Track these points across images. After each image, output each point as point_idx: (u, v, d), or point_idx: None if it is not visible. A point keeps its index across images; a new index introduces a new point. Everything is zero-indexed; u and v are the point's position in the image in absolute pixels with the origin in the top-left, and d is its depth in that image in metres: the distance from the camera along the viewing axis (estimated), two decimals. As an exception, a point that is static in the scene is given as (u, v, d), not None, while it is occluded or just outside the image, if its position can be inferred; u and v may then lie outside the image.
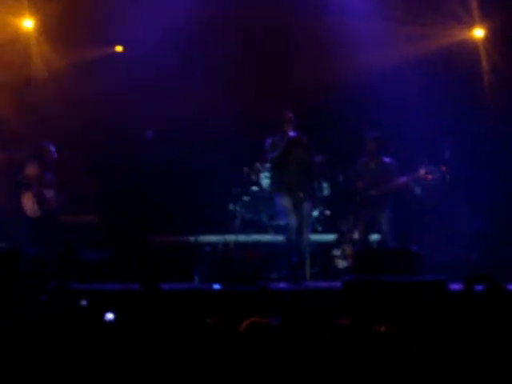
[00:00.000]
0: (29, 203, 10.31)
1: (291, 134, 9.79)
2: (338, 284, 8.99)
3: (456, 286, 8.50)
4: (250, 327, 5.22)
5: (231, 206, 11.62)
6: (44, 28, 11.52)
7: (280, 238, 10.41)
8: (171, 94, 11.79)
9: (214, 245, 10.70)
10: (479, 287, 7.22)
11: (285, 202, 9.83)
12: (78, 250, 10.30)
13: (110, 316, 6.86)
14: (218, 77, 11.93)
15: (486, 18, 11.49)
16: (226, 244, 10.89)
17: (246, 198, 11.57)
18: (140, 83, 11.64)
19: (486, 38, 11.66)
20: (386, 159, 10.40)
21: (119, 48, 12.12)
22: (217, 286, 9.13)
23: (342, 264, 10.53)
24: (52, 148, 10.49)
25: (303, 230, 9.79)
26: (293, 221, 9.77)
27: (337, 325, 5.42)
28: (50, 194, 10.41)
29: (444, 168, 10.46)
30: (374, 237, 10.67)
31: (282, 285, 9.59)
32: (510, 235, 10.60)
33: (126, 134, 11.65)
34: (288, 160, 9.82)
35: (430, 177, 10.14)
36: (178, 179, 11.85)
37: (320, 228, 11.28)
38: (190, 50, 12.07)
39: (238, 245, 10.92)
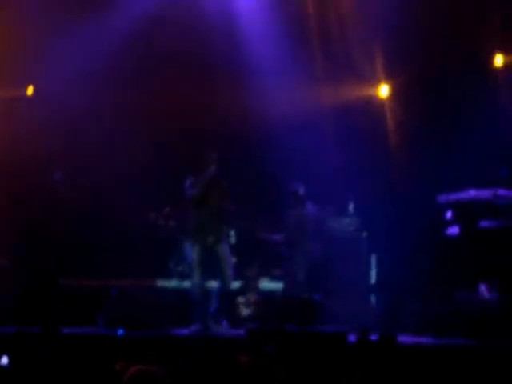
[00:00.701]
0: None
1: (213, 171, 9.81)
2: (241, 332, 9.06)
3: (354, 338, 8.69)
4: (135, 375, 5.17)
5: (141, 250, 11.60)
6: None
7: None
8: (83, 135, 11.81)
9: (121, 288, 10.64)
10: (373, 338, 7.39)
11: (194, 254, 9.87)
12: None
13: (4, 360, 6.76)
14: (132, 116, 11.99)
15: (390, 75, 11.88)
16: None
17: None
18: (50, 125, 11.61)
19: (391, 95, 12.05)
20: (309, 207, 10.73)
21: (30, 89, 12.06)
22: (120, 331, 9.09)
23: (245, 311, 10.61)
24: None
25: (223, 271, 9.81)
26: (197, 278, 9.81)
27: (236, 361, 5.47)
28: None
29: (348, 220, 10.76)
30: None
31: (184, 331, 9.59)
32: (410, 286, 10.84)
33: (36, 175, 11.57)
34: (205, 200, 9.81)
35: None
36: (88, 221, 11.80)
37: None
38: (103, 91, 12.09)
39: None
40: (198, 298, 9.84)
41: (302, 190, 10.82)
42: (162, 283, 11.29)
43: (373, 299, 11.04)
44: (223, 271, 9.83)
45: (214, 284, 10.12)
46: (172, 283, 11.33)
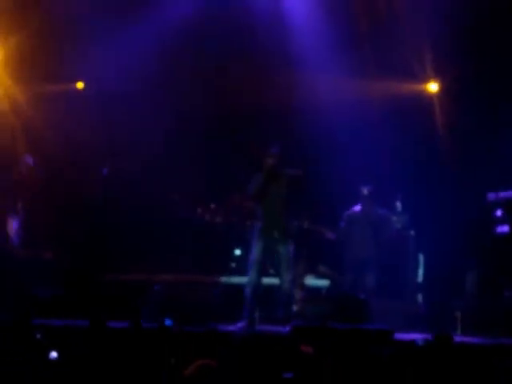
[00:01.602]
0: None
1: (271, 166, 9.70)
2: (286, 329, 9.01)
3: (401, 336, 8.63)
4: (197, 370, 5.16)
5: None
6: (6, 62, 11.55)
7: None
8: (131, 131, 11.87)
9: (165, 284, 10.66)
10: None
11: (256, 251, 9.77)
12: (30, 286, 10.24)
13: (54, 354, 6.81)
14: (179, 115, 12.02)
15: (440, 72, 11.76)
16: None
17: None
18: (100, 120, 11.69)
19: (441, 92, 11.93)
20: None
21: (80, 85, 12.17)
22: (168, 322, 9.08)
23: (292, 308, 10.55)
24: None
25: (282, 274, 9.72)
26: (254, 275, 9.72)
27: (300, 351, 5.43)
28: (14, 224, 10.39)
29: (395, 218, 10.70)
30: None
31: (232, 327, 9.58)
32: (455, 286, 10.74)
33: (82, 170, 11.67)
34: (268, 196, 9.67)
35: None
36: (132, 217, 11.85)
37: (272, 271, 11.30)
38: (152, 89, 12.14)
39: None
40: (250, 294, 9.77)
41: (367, 191, 10.80)
42: (212, 279, 11.26)
43: (420, 298, 10.94)
44: (282, 274, 9.75)
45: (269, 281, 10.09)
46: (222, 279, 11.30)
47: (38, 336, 7.61)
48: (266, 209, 9.73)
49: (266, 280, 10.33)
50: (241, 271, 10.79)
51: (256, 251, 9.80)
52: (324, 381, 5.61)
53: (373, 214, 10.87)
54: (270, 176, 9.68)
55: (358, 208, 10.96)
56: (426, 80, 12.17)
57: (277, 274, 9.88)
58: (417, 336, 8.38)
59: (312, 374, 5.63)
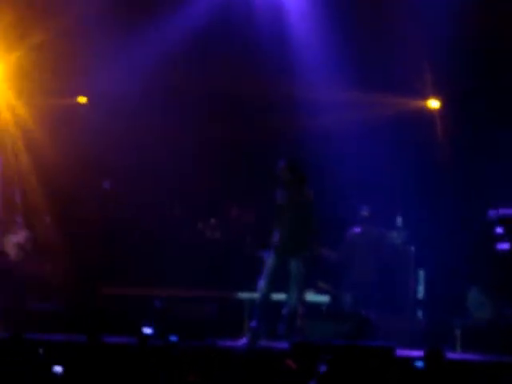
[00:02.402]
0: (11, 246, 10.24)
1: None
2: (286, 345, 8.98)
3: (402, 353, 8.60)
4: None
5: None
6: (8, 76, 11.56)
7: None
8: (133, 145, 11.88)
9: (164, 299, 10.63)
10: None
11: (269, 262, 9.71)
12: (27, 299, 10.21)
13: (58, 369, 6.79)
14: (182, 126, 12.02)
15: (441, 89, 11.78)
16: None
17: None
18: (103, 135, 11.69)
19: (441, 108, 11.95)
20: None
21: (83, 99, 12.17)
22: (174, 338, 9.04)
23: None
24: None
25: (291, 290, 9.68)
26: (264, 285, 9.68)
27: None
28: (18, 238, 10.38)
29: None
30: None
31: (231, 343, 9.54)
32: (456, 303, 10.71)
33: (84, 183, 11.66)
34: (286, 211, 9.61)
35: None
36: (133, 230, 11.84)
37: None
38: (154, 102, 12.14)
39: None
40: (259, 307, 9.74)
41: (366, 212, 10.88)
42: (211, 294, 11.22)
43: (420, 314, 10.92)
44: (291, 290, 9.71)
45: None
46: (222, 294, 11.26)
47: (40, 351, 7.60)
48: (284, 224, 9.69)
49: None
50: (241, 286, 10.76)
51: (269, 264, 9.77)
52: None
53: (373, 234, 10.93)
54: (288, 192, 9.63)
55: (358, 229, 11.03)
56: (426, 96, 12.19)
57: (286, 290, 9.83)
58: (417, 353, 8.35)
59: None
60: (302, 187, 9.64)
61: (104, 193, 11.37)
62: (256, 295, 9.80)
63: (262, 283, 9.75)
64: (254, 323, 9.76)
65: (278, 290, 10.12)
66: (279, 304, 10.02)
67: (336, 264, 11.14)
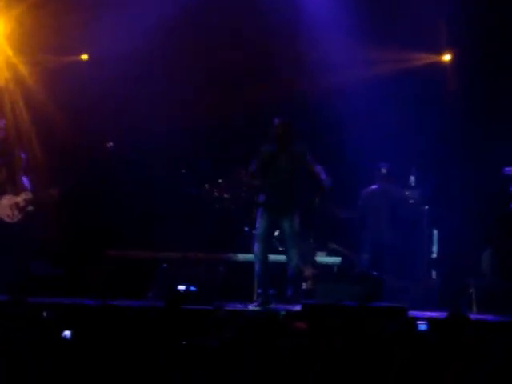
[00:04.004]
0: (5, 209, 10.03)
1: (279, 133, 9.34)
2: (297, 307, 8.81)
3: (415, 314, 8.43)
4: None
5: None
6: (8, 34, 11.34)
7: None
8: (135, 105, 11.65)
9: (171, 262, 10.46)
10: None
11: (260, 226, 9.49)
12: (31, 263, 10.08)
13: (66, 333, 6.66)
14: (184, 90, 11.77)
15: (453, 42, 11.51)
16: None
17: None
18: (105, 93, 11.48)
19: (455, 61, 11.69)
20: None
21: (84, 56, 11.98)
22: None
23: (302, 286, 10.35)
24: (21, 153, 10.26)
25: (288, 250, 9.50)
26: (258, 249, 9.47)
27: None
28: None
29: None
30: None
31: (239, 305, 9.38)
32: (470, 263, 10.54)
33: (86, 143, 11.49)
34: (273, 168, 9.37)
35: None
36: (138, 192, 11.65)
37: (280, 247, 11.08)
38: (156, 62, 11.90)
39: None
40: (259, 271, 9.56)
41: (385, 169, 10.65)
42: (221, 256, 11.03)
43: (434, 275, 10.75)
44: (288, 250, 9.51)
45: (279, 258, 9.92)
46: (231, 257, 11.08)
47: (44, 314, 7.46)
48: (271, 182, 9.39)
49: (277, 257, 10.15)
50: (249, 248, 10.57)
51: (260, 226, 9.52)
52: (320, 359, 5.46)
53: (391, 192, 10.67)
54: (276, 149, 9.37)
55: (375, 187, 10.75)
56: (439, 51, 11.89)
57: (284, 251, 9.63)
58: (431, 314, 8.17)
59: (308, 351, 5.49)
60: (291, 143, 9.35)
61: (108, 153, 11.16)
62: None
63: (256, 248, 9.52)
64: (259, 289, 9.60)
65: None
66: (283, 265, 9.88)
67: (350, 224, 10.94)
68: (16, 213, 10.01)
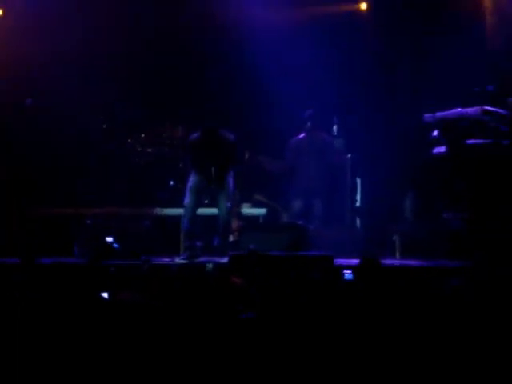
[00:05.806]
0: None
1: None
2: (225, 259, 8.84)
3: (341, 261, 8.54)
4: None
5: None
6: None
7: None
8: (55, 58, 11.41)
9: (95, 217, 10.36)
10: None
11: (192, 179, 9.67)
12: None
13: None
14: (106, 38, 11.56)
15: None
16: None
17: None
18: (21, 49, 11.19)
19: (373, 12, 11.78)
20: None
21: (-1, 12, 11.68)
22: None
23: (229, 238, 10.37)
24: None
25: (220, 203, 9.71)
26: (189, 201, 9.63)
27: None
28: None
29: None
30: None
31: (166, 259, 9.37)
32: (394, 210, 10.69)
33: (3, 101, 11.20)
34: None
35: None
36: (60, 149, 11.45)
37: (206, 201, 11.06)
38: (74, 17, 11.62)
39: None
40: (187, 224, 9.68)
41: (308, 115, 10.57)
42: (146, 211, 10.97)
43: (358, 223, 10.88)
44: (219, 203, 9.71)
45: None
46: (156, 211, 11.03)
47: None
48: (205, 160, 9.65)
49: (204, 210, 10.18)
50: (175, 202, 10.54)
51: (193, 179, 9.67)
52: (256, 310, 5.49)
53: (317, 139, 10.67)
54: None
55: (302, 135, 10.72)
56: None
57: (215, 204, 9.72)
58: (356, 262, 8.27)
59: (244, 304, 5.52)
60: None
61: (27, 110, 10.91)
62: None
63: (186, 200, 9.68)
64: (186, 242, 9.66)
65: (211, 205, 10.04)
66: (213, 218, 9.93)
67: (280, 174, 10.94)
68: None
